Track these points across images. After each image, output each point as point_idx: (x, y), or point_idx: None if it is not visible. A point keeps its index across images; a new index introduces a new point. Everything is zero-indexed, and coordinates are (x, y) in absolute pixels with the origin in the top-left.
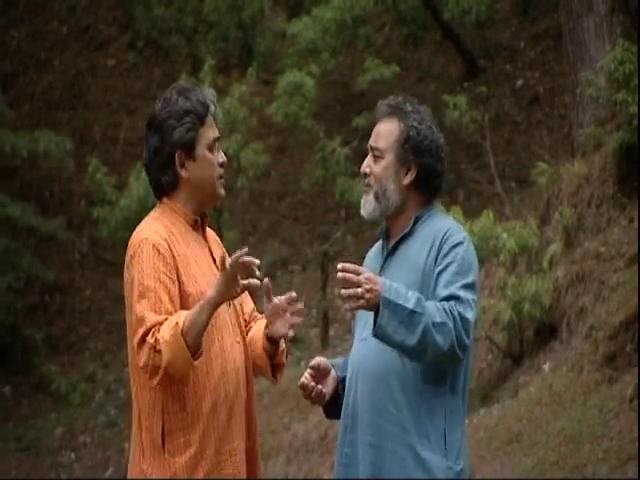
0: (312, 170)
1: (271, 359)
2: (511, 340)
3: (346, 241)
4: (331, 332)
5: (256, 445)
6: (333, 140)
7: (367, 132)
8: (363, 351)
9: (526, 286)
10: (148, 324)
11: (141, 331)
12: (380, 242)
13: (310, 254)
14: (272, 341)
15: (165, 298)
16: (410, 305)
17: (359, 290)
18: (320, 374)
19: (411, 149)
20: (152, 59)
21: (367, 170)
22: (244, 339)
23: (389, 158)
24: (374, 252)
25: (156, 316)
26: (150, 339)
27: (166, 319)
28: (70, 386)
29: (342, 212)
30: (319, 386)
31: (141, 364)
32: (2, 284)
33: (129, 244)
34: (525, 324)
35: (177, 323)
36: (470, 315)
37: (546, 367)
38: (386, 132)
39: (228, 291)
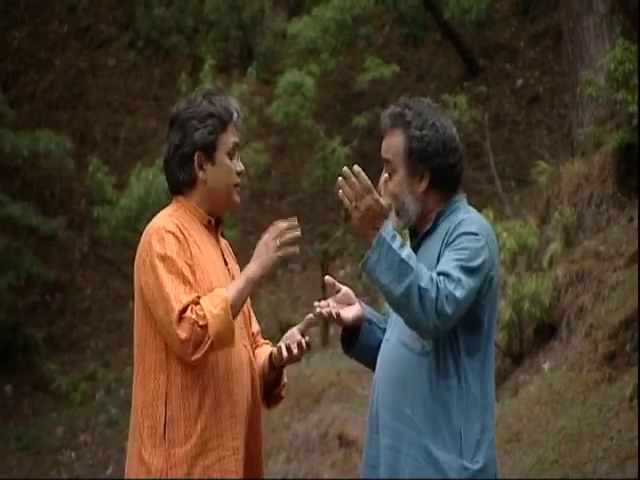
0: (312, 169)
1: (270, 388)
2: (511, 339)
3: (346, 240)
4: (331, 331)
5: (261, 453)
6: (333, 140)
7: (367, 132)
8: (385, 351)
9: (526, 285)
10: (184, 301)
11: (177, 308)
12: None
13: (310, 253)
14: (274, 368)
15: (192, 279)
16: (403, 255)
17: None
18: (341, 300)
19: (418, 159)
20: (152, 59)
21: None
22: (251, 345)
23: (401, 173)
24: None
25: (189, 295)
26: (190, 314)
27: (198, 297)
28: (71, 385)
29: (342, 211)
30: (334, 308)
31: (183, 337)
32: (3, 283)
33: (144, 233)
34: (525, 323)
35: (224, 298)
36: (459, 293)
37: (546, 366)
38: (392, 146)
39: (268, 259)
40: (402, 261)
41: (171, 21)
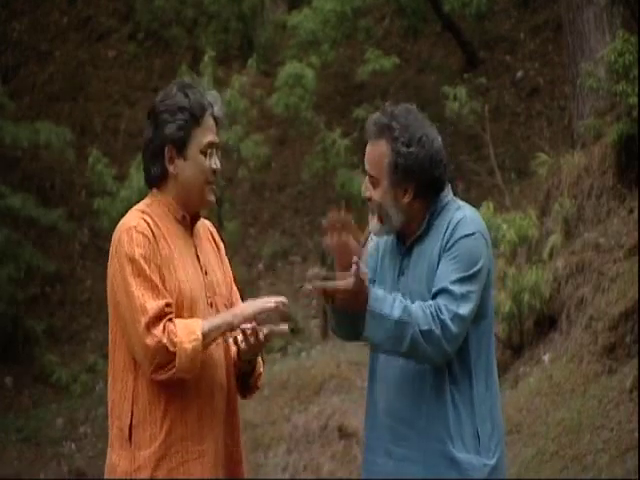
0: (312, 161)
1: (245, 378)
2: (511, 331)
3: None
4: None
5: (240, 449)
6: (333, 131)
7: None
8: (390, 361)
9: (526, 277)
10: (151, 313)
11: (144, 320)
12: (391, 238)
13: (310, 245)
14: (245, 360)
15: (159, 283)
16: (395, 315)
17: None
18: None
19: (403, 175)
20: (153, 50)
21: (367, 194)
22: (226, 342)
23: (384, 184)
24: (389, 249)
25: (155, 302)
26: (161, 334)
27: (167, 305)
28: (71, 377)
29: (342, 203)
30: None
31: (149, 351)
32: (3, 275)
33: (117, 229)
34: (525, 315)
35: (198, 336)
36: (464, 310)
37: (546, 358)
38: (376, 158)
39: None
40: (397, 322)
41: (171, 13)
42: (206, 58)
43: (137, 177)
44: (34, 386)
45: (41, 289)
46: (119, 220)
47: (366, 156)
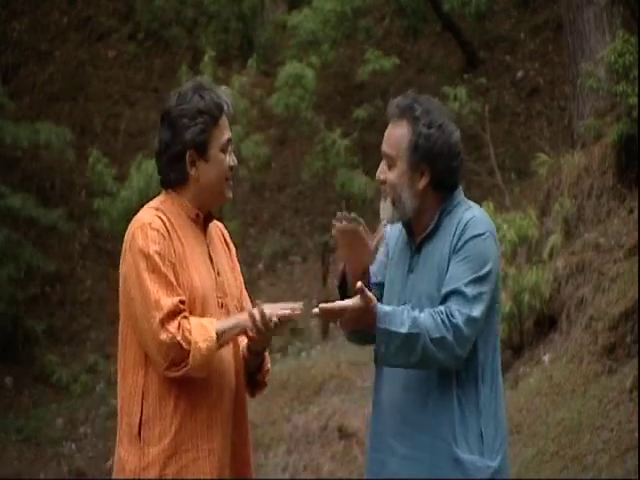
0: (312, 161)
1: (253, 375)
2: (511, 331)
3: None
4: (331, 323)
5: (248, 449)
6: (333, 132)
7: (368, 124)
8: None
9: (526, 277)
10: (165, 309)
11: (158, 316)
12: (404, 234)
13: (310, 245)
14: (255, 354)
15: (174, 280)
16: (404, 330)
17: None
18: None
19: (421, 156)
20: (153, 50)
21: (382, 177)
22: (236, 342)
23: (402, 166)
24: (400, 245)
25: (170, 299)
26: (176, 331)
27: (181, 302)
28: (71, 377)
29: (342, 203)
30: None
31: (163, 349)
32: (3, 275)
33: (130, 226)
34: (525, 315)
35: (212, 337)
36: (477, 312)
37: (546, 358)
38: (396, 138)
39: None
40: (406, 335)
41: (171, 13)
42: (206, 58)
43: (137, 177)
44: (34, 386)
45: (41, 289)
46: (119, 220)
47: (385, 136)
